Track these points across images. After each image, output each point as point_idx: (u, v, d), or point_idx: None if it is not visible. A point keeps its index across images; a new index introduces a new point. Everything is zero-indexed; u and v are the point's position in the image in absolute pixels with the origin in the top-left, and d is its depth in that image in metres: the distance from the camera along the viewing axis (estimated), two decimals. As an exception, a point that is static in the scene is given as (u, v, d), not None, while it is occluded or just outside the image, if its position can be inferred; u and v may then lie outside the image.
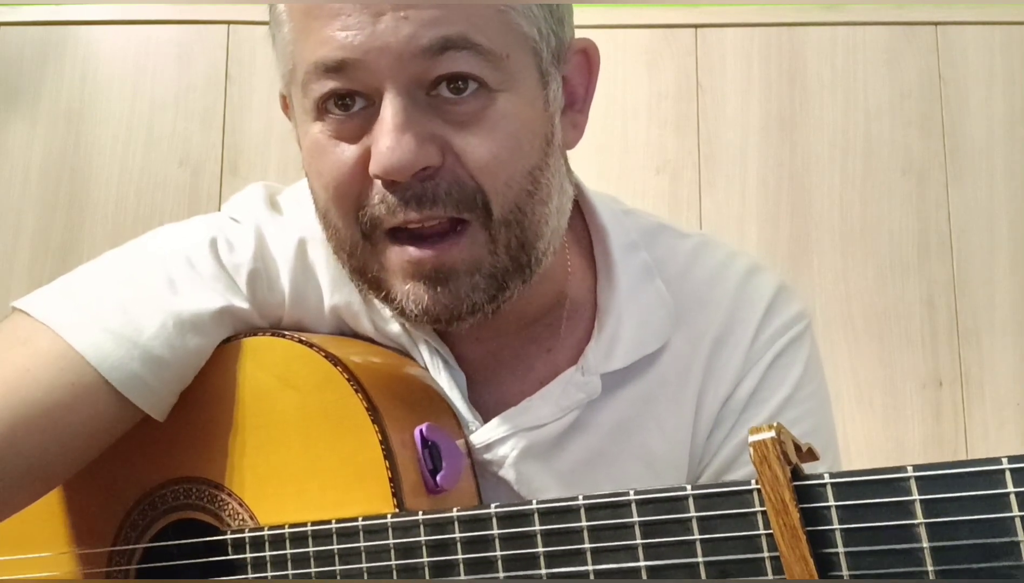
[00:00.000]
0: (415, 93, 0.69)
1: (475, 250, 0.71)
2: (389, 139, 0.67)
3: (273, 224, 0.84)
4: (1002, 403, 1.75)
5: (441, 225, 0.71)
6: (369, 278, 0.75)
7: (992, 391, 1.75)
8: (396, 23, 0.66)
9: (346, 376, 0.75)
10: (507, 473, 0.80)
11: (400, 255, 0.72)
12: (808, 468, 0.55)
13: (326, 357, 0.76)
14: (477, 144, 0.69)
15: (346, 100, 0.70)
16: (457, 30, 0.67)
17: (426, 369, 0.82)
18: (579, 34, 0.79)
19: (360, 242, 0.73)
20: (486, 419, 0.81)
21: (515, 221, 0.72)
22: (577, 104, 0.79)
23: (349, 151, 0.71)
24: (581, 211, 0.87)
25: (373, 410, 0.74)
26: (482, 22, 0.68)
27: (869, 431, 1.74)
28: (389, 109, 0.68)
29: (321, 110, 0.71)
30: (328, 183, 0.72)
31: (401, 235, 0.72)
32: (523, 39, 0.71)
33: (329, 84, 0.69)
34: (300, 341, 0.78)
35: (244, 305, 0.81)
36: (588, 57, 0.79)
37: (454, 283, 0.71)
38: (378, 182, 0.70)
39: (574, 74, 0.78)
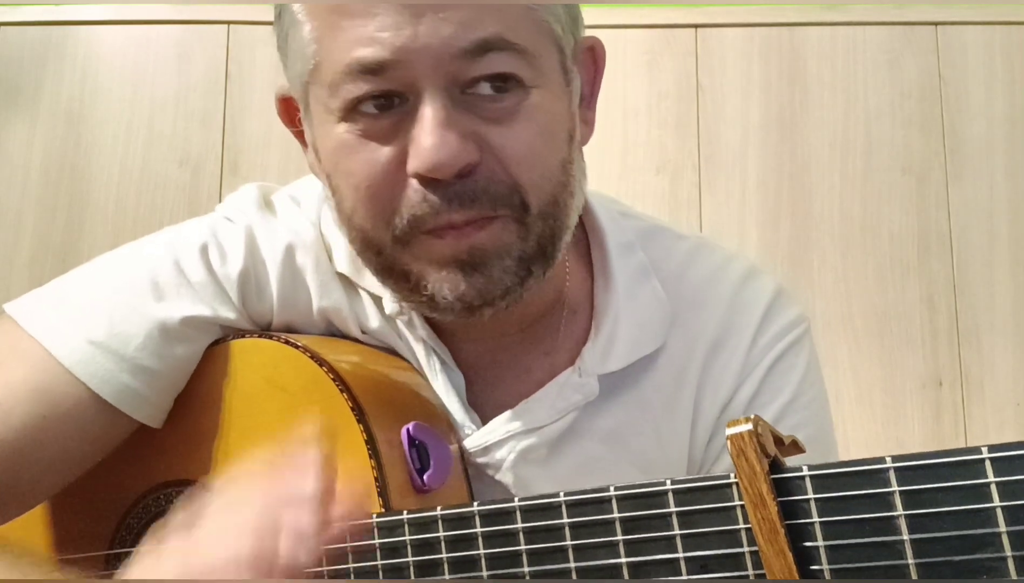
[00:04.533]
0: (452, 91, 0.68)
1: (505, 236, 0.70)
2: (433, 137, 0.66)
3: (264, 226, 0.83)
4: (1002, 403, 1.74)
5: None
6: (397, 272, 0.73)
7: (992, 391, 1.74)
8: (436, 24, 0.66)
9: (331, 376, 0.75)
10: (504, 477, 0.79)
11: (439, 244, 0.70)
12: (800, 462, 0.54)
13: (312, 358, 0.76)
14: (514, 138, 0.69)
15: (381, 99, 0.68)
16: (494, 31, 0.67)
17: (421, 371, 0.82)
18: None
19: (389, 242, 0.71)
20: (484, 421, 0.80)
21: (551, 213, 0.72)
22: (585, 101, 0.79)
23: (383, 151, 0.69)
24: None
25: (358, 410, 0.74)
26: (515, 21, 0.68)
27: (869, 431, 1.74)
28: (430, 107, 0.67)
29: (351, 111, 0.69)
30: (360, 183, 0.70)
31: (442, 232, 0.70)
32: (551, 36, 0.71)
33: (365, 86, 0.68)
34: (287, 342, 0.78)
35: (231, 315, 0.81)
36: (595, 54, 0.79)
37: (487, 267, 0.70)
38: (414, 182, 0.69)
39: (583, 72, 0.78)
